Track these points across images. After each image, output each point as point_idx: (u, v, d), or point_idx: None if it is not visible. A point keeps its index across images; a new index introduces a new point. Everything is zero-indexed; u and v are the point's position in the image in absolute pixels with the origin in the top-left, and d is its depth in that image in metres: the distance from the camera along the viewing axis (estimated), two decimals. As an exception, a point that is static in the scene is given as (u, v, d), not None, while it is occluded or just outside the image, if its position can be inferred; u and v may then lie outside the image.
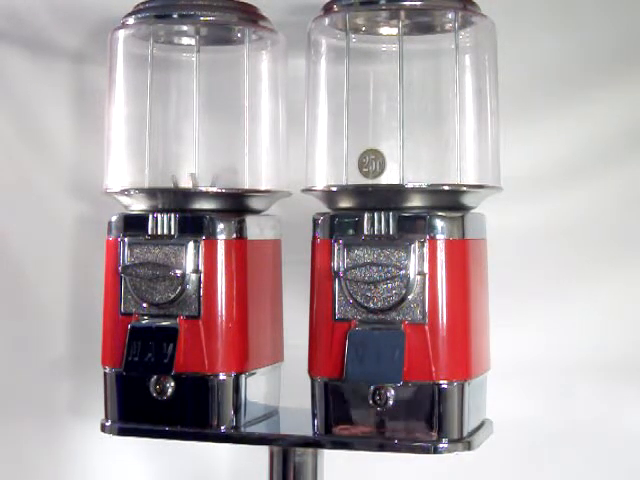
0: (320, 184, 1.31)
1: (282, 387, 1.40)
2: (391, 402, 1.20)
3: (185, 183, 1.36)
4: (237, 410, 1.29)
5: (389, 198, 1.23)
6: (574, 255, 1.48)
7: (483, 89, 1.31)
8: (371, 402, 1.20)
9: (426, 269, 1.20)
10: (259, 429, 1.31)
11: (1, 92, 1.64)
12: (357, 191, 1.25)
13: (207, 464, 1.60)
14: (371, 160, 1.25)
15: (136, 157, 1.36)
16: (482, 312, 1.27)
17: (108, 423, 1.33)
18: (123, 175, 1.39)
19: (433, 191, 1.23)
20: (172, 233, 1.29)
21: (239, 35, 1.39)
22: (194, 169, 1.37)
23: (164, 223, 1.29)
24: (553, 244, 1.48)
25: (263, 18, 1.38)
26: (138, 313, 1.30)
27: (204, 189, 1.33)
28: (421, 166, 1.32)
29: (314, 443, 1.27)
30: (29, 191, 1.64)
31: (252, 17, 1.37)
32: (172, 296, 1.28)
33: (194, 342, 1.28)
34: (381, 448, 1.22)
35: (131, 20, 1.36)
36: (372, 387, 1.20)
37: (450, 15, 1.29)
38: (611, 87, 1.46)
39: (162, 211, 1.30)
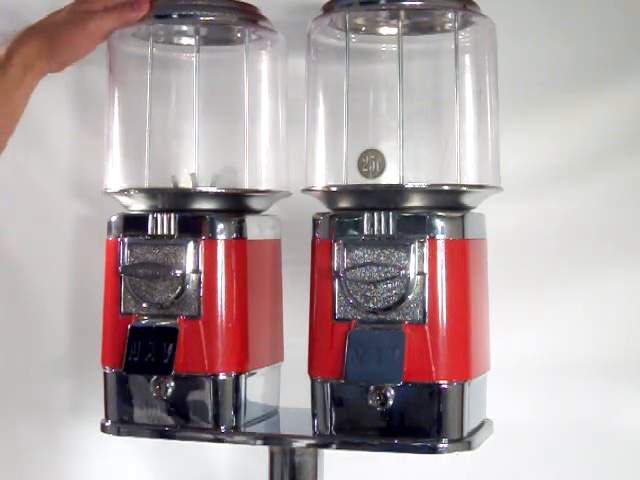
0: (320, 184, 1.31)
1: (282, 387, 1.40)
2: (391, 402, 1.20)
3: (185, 183, 1.36)
4: (237, 410, 1.29)
5: (389, 198, 1.23)
6: (573, 255, 1.48)
7: (483, 89, 1.31)
8: (371, 402, 1.20)
9: (426, 269, 1.20)
10: (259, 429, 1.31)
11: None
12: (357, 191, 1.25)
13: (207, 464, 1.60)
14: (371, 160, 1.25)
15: (136, 157, 1.36)
16: (482, 312, 1.27)
17: (108, 423, 1.33)
18: (123, 175, 1.39)
19: (433, 191, 1.23)
20: (172, 233, 1.29)
21: (239, 35, 1.39)
22: (194, 169, 1.37)
23: (164, 223, 1.29)
24: (552, 244, 1.48)
25: (263, 18, 1.38)
26: (138, 313, 1.30)
27: (204, 189, 1.33)
28: (421, 166, 1.32)
29: (314, 443, 1.27)
30: (29, 191, 1.64)
31: (252, 17, 1.37)
32: (172, 296, 1.28)
33: (194, 342, 1.27)
34: (381, 448, 1.22)
35: (131, 20, 1.36)
36: (372, 387, 1.20)
37: (450, 15, 1.29)
38: (611, 87, 1.46)
39: (162, 211, 1.30)
